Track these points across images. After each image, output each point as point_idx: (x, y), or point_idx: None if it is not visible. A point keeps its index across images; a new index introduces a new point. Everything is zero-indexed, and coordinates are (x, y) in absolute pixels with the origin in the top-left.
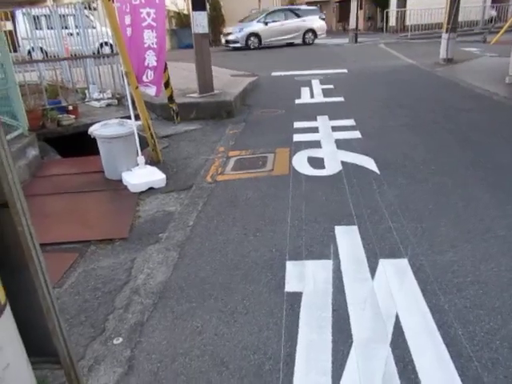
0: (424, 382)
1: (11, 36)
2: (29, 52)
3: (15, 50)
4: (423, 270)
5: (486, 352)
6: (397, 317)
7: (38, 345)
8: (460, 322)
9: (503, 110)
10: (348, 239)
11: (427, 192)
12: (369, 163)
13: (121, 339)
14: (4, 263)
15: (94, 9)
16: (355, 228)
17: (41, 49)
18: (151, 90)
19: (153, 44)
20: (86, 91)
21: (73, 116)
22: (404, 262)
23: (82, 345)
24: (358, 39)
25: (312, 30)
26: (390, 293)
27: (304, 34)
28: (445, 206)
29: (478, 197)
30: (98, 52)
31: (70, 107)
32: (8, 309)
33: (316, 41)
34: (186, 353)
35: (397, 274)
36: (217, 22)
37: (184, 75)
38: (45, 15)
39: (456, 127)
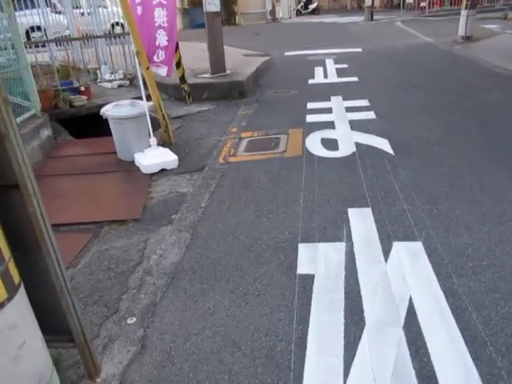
0: (437, 365)
1: None
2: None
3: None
4: (437, 253)
5: (501, 337)
6: (410, 300)
7: (52, 323)
8: (474, 306)
9: None
10: (361, 221)
11: (442, 174)
12: (383, 144)
13: (134, 319)
14: (17, 244)
15: None
16: (369, 210)
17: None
18: (162, 70)
19: (163, 23)
20: (98, 72)
21: (85, 97)
22: (418, 245)
23: (96, 324)
24: (374, 17)
25: None
26: (404, 276)
27: None
28: (460, 189)
29: (494, 180)
30: (110, 32)
31: (82, 88)
32: (22, 288)
33: (330, 19)
34: (198, 333)
35: (410, 257)
36: (230, 0)
37: (196, 55)
38: None
39: (473, 108)
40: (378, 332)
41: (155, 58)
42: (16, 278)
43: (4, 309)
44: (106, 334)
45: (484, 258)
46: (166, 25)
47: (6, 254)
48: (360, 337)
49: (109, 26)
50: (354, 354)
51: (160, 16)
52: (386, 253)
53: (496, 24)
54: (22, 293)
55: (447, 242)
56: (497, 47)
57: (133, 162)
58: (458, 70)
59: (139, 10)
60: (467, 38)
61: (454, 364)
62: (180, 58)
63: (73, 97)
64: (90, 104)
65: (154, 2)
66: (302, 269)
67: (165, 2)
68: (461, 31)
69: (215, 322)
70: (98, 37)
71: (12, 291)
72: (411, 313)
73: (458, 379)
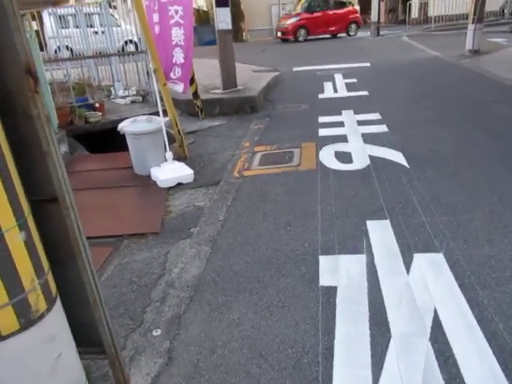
0: (466, 376)
1: (38, 35)
2: (55, 51)
3: (42, 49)
4: (459, 264)
5: None
6: (435, 311)
7: (85, 335)
8: (501, 317)
9: None
10: (380, 233)
11: (459, 186)
12: (397, 157)
13: (159, 331)
14: (53, 257)
15: (114, 7)
16: (387, 222)
17: (67, 47)
18: (179, 87)
19: (180, 41)
20: (112, 88)
21: (100, 113)
22: (439, 257)
23: (122, 336)
24: (380, 32)
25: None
26: (427, 287)
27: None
28: (478, 200)
29: (511, 191)
30: (123, 50)
31: (97, 104)
32: (58, 300)
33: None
34: (224, 345)
35: (432, 268)
36: (237, 17)
37: (207, 72)
38: (71, 14)
39: (485, 120)
40: (405, 343)
41: (172, 74)
42: (53, 289)
43: (43, 320)
44: (132, 346)
45: (507, 269)
46: (182, 43)
47: (46, 266)
48: (387, 348)
49: (122, 43)
50: (382, 365)
51: (177, 35)
52: (408, 264)
53: (503, 37)
54: (58, 304)
55: (468, 253)
56: (505, 60)
57: (149, 176)
58: (466, 83)
59: (157, 29)
60: (475, 52)
61: (484, 375)
62: (193, 74)
63: (88, 113)
64: (105, 120)
65: (172, 22)
66: (325, 281)
67: (182, 22)
68: (468, 45)
69: (241, 333)
70: (111, 55)
71: (50, 303)
72: (437, 324)
73: None
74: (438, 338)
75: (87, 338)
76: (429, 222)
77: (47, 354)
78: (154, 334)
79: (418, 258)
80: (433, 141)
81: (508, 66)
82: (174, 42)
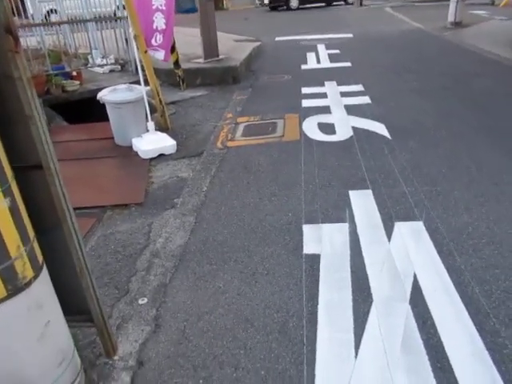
0: (443, 336)
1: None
2: (45, 16)
3: (19, 14)
4: (438, 232)
5: (503, 309)
6: (415, 277)
7: (72, 303)
8: (477, 281)
9: None
10: (363, 203)
11: (439, 156)
12: (379, 128)
13: (145, 299)
14: (39, 225)
15: None
16: (369, 192)
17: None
18: (160, 55)
19: (161, 6)
20: (89, 57)
21: (77, 82)
22: (419, 225)
23: (108, 305)
24: (364, 2)
25: None
26: (407, 254)
27: None
28: (458, 170)
29: (490, 161)
30: (115, 15)
31: (74, 73)
32: (45, 268)
33: (319, 3)
34: (210, 311)
35: (413, 236)
36: None
37: (187, 40)
38: None
39: (466, 92)
40: (386, 307)
41: (153, 41)
42: (40, 257)
43: (31, 287)
44: (118, 315)
45: (483, 236)
46: (164, 8)
47: (31, 233)
48: (369, 312)
49: (114, 8)
50: (364, 328)
51: None
52: (389, 233)
53: (484, 10)
54: (45, 272)
55: (447, 221)
56: (486, 33)
57: (130, 146)
58: (448, 55)
59: None
60: (457, 24)
61: (460, 335)
62: (174, 42)
63: (65, 82)
64: (83, 89)
65: None
66: (308, 249)
67: None
68: (450, 17)
69: (227, 300)
70: (87, 20)
71: (37, 270)
72: (416, 288)
73: (465, 349)
74: (418, 301)
75: (75, 307)
76: (410, 191)
77: (35, 321)
78: (140, 302)
79: (399, 227)
80: (415, 112)
81: (489, 39)
82: (154, 6)
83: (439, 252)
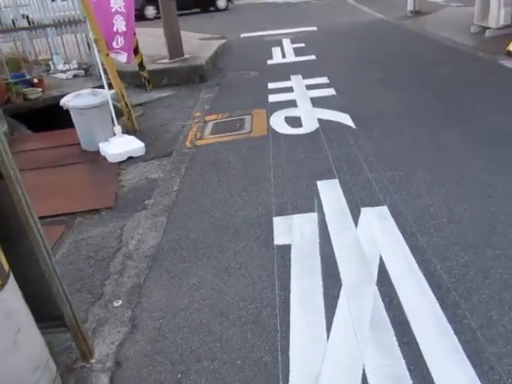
0: (408, 312)
1: None
2: (13, 21)
3: None
4: (402, 214)
5: (462, 283)
6: (381, 259)
7: (43, 310)
8: (438, 259)
9: (470, 59)
10: (330, 192)
11: (402, 143)
12: (345, 119)
13: (120, 301)
14: (4, 233)
15: None
16: (336, 181)
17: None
18: (122, 57)
19: (120, 8)
20: (50, 63)
21: (39, 89)
22: (384, 209)
23: (83, 309)
24: None
25: None
26: (373, 238)
27: None
28: (419, 155)
29: (450, 145)
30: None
31: (36, 80)
32: (12, 276)
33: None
34: (186, 308)
35: (378, 220)
36: None
37: (151, 41)
38: None
39: (427, 80)
40: (355, 290)
41: (114, 44)
42: (5, 265)
43: None
44: (94, 319)
45: (444, 215)
46: (123, 10)
47: None
48: (338, 295)
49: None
50: (334, 311)
51: (116, 1)
52: (356, 219)
53: None
54: (12, 280)
55: (410, 204)
56: (444, 20)
57: (98, 151)
58: (409, 44)
59: None
60: (416, 13)
61: (424, 310)
62: (137, 44)
63: (26, 89)
64: (46, 96)
65: None
66: (279, 240)
67: None
68: (410, 6)
69: (201, 295)
70: (46, 25)
71: (3, 279)
72: (383, 270)
73: (428, 322)
74: (384, 282)
75: (47, 313)
76: (374, 178)
77: (5, 330)
78: (115, 304)
79: (365, 212)
80: (379, 102)
81: (446, 26)
82: (113, 9)
83: (403, 233)
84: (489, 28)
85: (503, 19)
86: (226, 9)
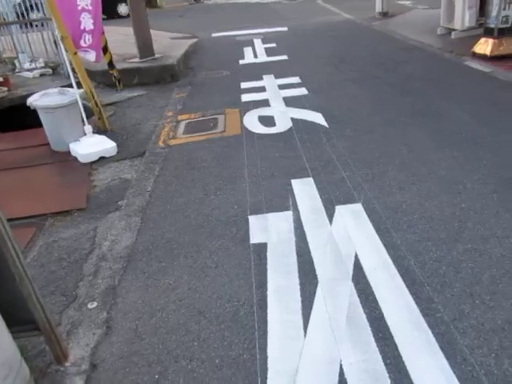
0: (384, 308)
1: None
2: None
3: None
4: (376, 211)
5: (435, 277)
6: (356, 256)
7: (15, 314)
8: (412, 254)
9: (437, 60)
10: (305, 191)
11: (374, 141)
12: (317, 118)
13: (95, 303)
14: None
15: None
16: (310, 180)
17: None
18: (91, 56)
19: (87, 5)
20: (16, 61)
21: (5, 88)
22: (358, 207)
23: (57, 312)
24: None
25: None
26: (348, 235)
27: None
28: (391, 153)
29: (419, 142)
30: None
31: (0, 79)
32: None
33: None
34: (162, 308)
35: (352, 217)
36: None
37: (120, 39)
38: None
39: (396, 79)
40: (331, 287)
41: (82, 42)
42: None
43: None
44: (68, 321)
45: (416, 212)
46: (90, 7)
47: None
48: (315, 293)
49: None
50: (311, 309)
51: None
52: (330, 216)
53: (409, 0)
54: None
55: (383, 201)
56: (411, 22)
57: (68, 152)
58: (378, 44)
59: None
60: (384, 14)
61: (399, 305)
62: (106, 42)
63: None
64: (12, 95)
65: None
66: (255, 238)
67: None
68: (378, 7)
69: (178, 295)
70: (10, 23)
71: None
72: (358, 267)
73: (403, 317)
74: (360, 279)
75: (19, 317)
76: (348, 176)
77: None
78: (90, 306)
79: (340, 210)
80: (350, 101)
81: (413, 27)
82: (79, 7)
83: (377, 230)
84: (454, 30)
85: (468, 21)
86: (128, 16)
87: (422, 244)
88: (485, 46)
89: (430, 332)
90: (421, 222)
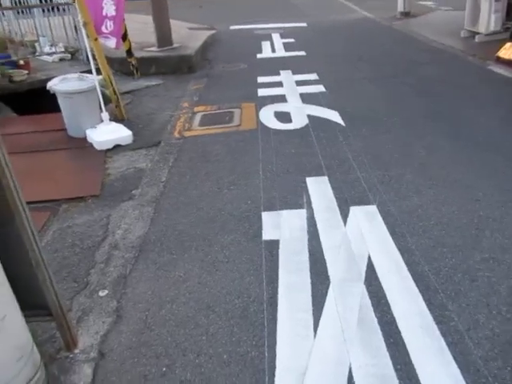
0: (396, 312)
1: None
2: None
3: None
4: (391, 214)
5: (450, 284)
6: (369, 258)
7: (29, 298)
8: (426, 260)
9: (459, 63)
10: (319, 189)
11: (391, 142)
12: (334, 116)
13: (106, 291)
14: None
15: None
16: (325, 178)
17: None
18: (111, 42)
19: None
20: (36, 44)
21: (25, 71)
22: (373, 209)
23: (68, 298)
24: None
25: None
26: (362, 237)
27: None
28: (408, 155)
29: (438, 146)
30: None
31: (21, 62)
32: None
33: None
34: (172, 300)
35: (367, 219)
36: None
37: (139, 28)
38: None
39: (415, 80)
40: (342, 288)
41: (103, 28)
42: None
43: None
44: (78, 308)
45: (432, 217)
46: None
47: None
48: (326, 293)
49: None
50: (322, 308)
51: None
52: (345, 217)
53: (431, 0)
54: None
55: (399, 204)
56: (433, 23)
57: (85, 138)
58: (398, 44)
59: None
60: (406, 14)
61: (411, 310)
62: (126, 30)
63: (11, 71)
64: (32, 79)
65: None
66: (267, 235)
67: None
68: (400, 7)
69: (188, 288)
70: (33, 6)
71: None
72: (371, 269)
73: (415, 323)
74: (372, 281)
75: (32, 301)
76: (363, 176)
77: None
78: (101, 294)
79: (354, 211)
80: (368, 100)
81: (436, 29)
82: None
83: (392, 234)
84: (478, 33)
85: (493, 25)
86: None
87: (437, 250)
88: (510, 51)
89: (442, 340)
90: (437, 228)
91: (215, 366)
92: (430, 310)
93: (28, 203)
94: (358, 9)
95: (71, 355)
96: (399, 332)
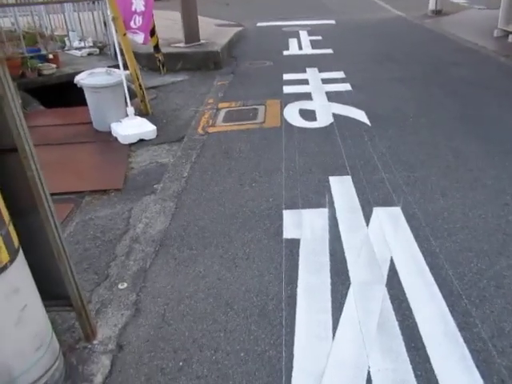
0: (418, 317)
1: None
2: None
3: None
4: (415, 217)
5: (474, 290)
6: (391, 260)
7: (49, 288)
8: (450, 264)
9: (491, 63)
10: (342, 189)
11: (418, 144)
12: (360, 115)
13: (125, 284)
14: (15, 208)
15: None
16: (349, 178)
17: None
18: (139, 38)
19: None
20: (66, 39)
21: (54, 65)
22: (397, 210)
23: (88, 290)
24: None
25: None
26: (385, 239)
27: None
28: (435, 157)
29: (466, 148)
30: None
31: (51, 56)
32: (21, 252)
33: None
34: (190, 296)
35: (390, 221)
36: None
37: (167, 24)
38: None
39: (445, 81)
40: (363, 290)
41: (132, 23)
42: (16, 241)
43: (6, 271)
44: (98, 300)
45: (458, 220)
46: None
47: (6, 217)
48: (346, 294)
49: None
50: (342, 310)
51: None
52: (367, 217)
53: None
54: (21, 256)
55: (424, 206)
56: (465, 22)
57: (109, 132)
58: (429, 43)
59: None
60: (437, 13)
61: (434, 315)
62: (154, 26)
63: (41, 65)
64: (60, 73)
65: None
66: (288, 234)
67: None
68: (431, 5)
69: (207, 284)
70: (63, 1)
71: (13, 254)
72: (393, 272)
73: (438, 328)
74: (394, 284)
75: (53, 291)
76: (388, 177)
77: (12, 306)
78: (120, 287)
79: (377, 212)
80: (395, 100)
81: (468, 28)
82: None
83: (416, 236)
84: None
85: None
86: None
87: (462, 254)
88: None
89: (465, 347)
90: (463, 232)
91: (232, 363)
92: (452, 315)
93: (52, 194)
94: (389, 7)
95: (90, 346)
96: (420, 337)
